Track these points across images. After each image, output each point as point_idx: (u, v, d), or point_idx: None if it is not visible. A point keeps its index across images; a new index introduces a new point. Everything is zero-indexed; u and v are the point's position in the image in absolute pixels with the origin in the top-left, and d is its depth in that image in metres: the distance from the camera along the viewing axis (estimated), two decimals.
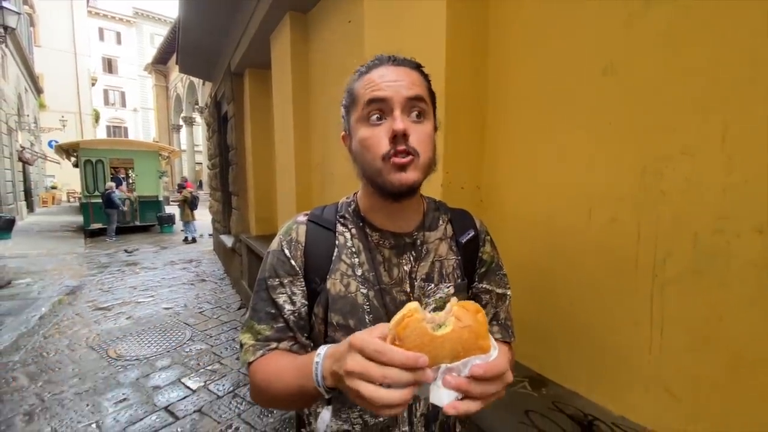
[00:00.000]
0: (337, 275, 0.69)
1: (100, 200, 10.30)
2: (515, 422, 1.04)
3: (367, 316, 0.67)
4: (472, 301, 0.47)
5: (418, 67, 0.67)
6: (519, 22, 1.28)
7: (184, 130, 21.79)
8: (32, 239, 9.41)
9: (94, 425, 2.46)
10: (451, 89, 1.30)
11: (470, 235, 0.76)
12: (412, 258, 0.71)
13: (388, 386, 0.42)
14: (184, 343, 3.72)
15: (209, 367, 3.23)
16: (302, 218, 0.75)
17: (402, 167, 0.60)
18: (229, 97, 5.14)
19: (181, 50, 5.09)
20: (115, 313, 4.61)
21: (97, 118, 25.11)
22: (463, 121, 1.36)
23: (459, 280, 0.73)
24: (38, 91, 18.16)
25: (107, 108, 28.23)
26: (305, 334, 0.69)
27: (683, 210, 0.87)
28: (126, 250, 8.50)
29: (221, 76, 5.44)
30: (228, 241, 5.82)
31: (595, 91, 1.05)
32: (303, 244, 0.71)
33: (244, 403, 2.70)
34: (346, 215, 0.74)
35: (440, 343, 0.43)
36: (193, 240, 9.86)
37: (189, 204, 10.05)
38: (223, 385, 2.94)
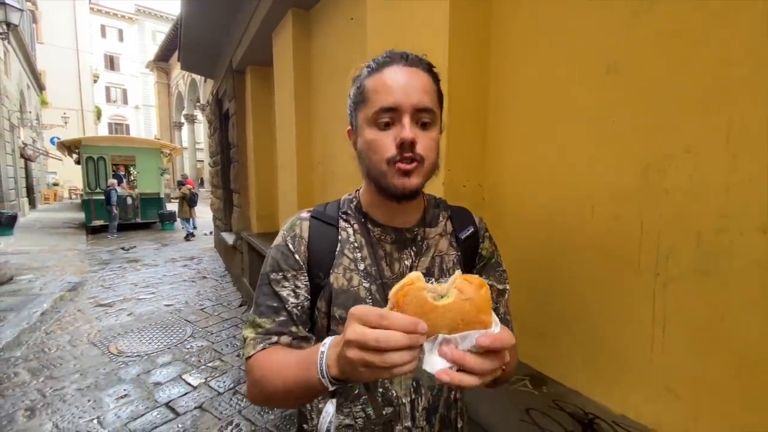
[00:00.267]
0: (340, 270, 0.70)
1: (102, 197, 10.33)
2: (516, 420, 1.04)
3: None
4: (476, 276, 0.46)
5: (430, 68, 0.67)
6: (521, 19, 1.27)
7: (185, 128, 21.79)
8: (34, 236, 9.44)
9: (95, 421, 2.48)
10: (454, 88, 1.30)
11: (469, 232, 0.78)
12: (412, 253, 0.72)
13: (384, 350, 0.41)
14: (185, 339, 3.74)
15: (210, 364, 3.24)
16: (305, 214, 0.76)
17: (406, 173, 0.62)
18: (230, 95, 5.14)
19: (183, 47, 5.09)
20: (116, 309, 4.63)
21: (99, 115, 25.13)
22: (466, 119, 1.36)
23: None
24: (40, 87, 18.18)
25: (109, 105, 28.25)
26: (307, 328, 0.70)
27: (686, 208, 0.87)
28: (123, 248, 8.47)
29: (223, 74, 5.44)
30: (229, 238, 5.83)
31: (598, 89, 1.04)
32: (306, 240, 0.72)
33: (244, 400, 2.71)
34: (348, 211, 0.75)
35: (441, 313, 0.43)
36: (191, 235, 9.86)
37: (188, 201, 10.07)
38: (224, 382, 2.95)
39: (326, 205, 0.78)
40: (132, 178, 13.15)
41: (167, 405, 2.66)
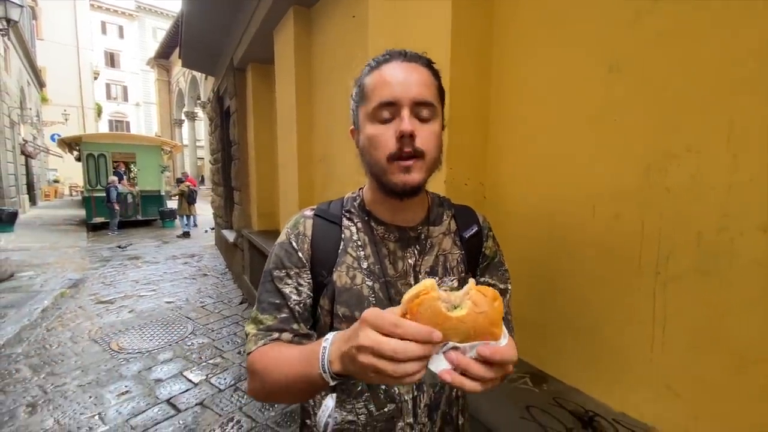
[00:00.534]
0: (344, 268, 0.70)
1: (103, 194, 10.34)
2: (516, 417, 1.05)
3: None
4: (490, 288, 0.47)
5: (429, 64, 0.68)
6: (523, 18, 1.27)
7: (186, 125, 21.77)
8: (35, 232, 9.45)
9: (96, 417, 2.49)
10: (456, 86, 1.30)
11: (473, 231, 0.78)
12: (416, 251, 0.72)
13: (399, 361, 0.42)
14: (186, 336, 3.75)
15: (211, 361, 3.25)
16: (309, 213, 0.76)
17: (407, 169, 0.62)
18: (231, 92, 5.14)
19: (184, 44, 5.08)
20: (117, 306, 4.64)
21: (99, 112, 25.10)
22: (467, 117, 1.36)
23: (462, 274, 0.75)
24: (41, 84, 18.17)
25: (109, 102, 28.20)
26: (309, 326, 0.70)
27: (687, 208, 0.87)
28: (119, 246, 8.40)
29: (224, 71, 5.43)
30: (230, 236, 5.83)
31: (600, 88, 1.04)
32: (310, 238, 0.72)
33: (245, 397, 2.72)
34: (352, 210, 0.75)
35: (453, 324, 0.43)
36: (187, 234, 9.86)
37: (186, 197, 10.07)
38: (225, 379, 2.96)
39: (330, 203, 0.78)
40: (132, 175, 13.15)
41: (168, 401, 2.67)
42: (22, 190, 12.98)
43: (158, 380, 2.94)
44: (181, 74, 19.17)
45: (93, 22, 25.59)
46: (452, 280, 0.73)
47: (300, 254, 0.71)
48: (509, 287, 0.81)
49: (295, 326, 0.68)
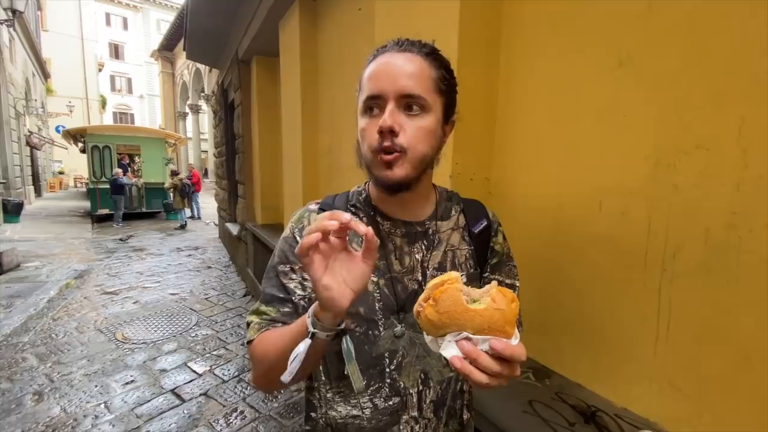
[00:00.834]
0: None
1: (108, 186, 10.38)
2: (519, 411, 1.05)
3: (377, 304, 0.68)
4: (510, 290, 0.49)
5: (429, 53, 0.64)
6: (532, 10, 1.26)
7: (189, 118, 21.78)
8: (40, 223, 9.52)
9: (102, 405, 2.52)
10: (463, 79, 1.27)
11: (482, 226, 0.77)
12: (423, 247, 0.71)
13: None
14: (190, 328, 3.78)
15: (215, 352, 3.28)
16: (314, 206, 0.75)
17: (388, 164, 0.61)
18: (236, 85, 5.12)
19: (188, 36, 5.06)
20: (122, 297, 4.68)
21: (103, 104, 25.14)
22: (474, 112, 1.35)
23: (471, 270, 0.74)
24: (45, 75, 18.19)
25: (114, 94, 28.22)
26: None
27: (695, 204, 0.87)
28: (121, 239, 8.40)
29: (228, 64, 5.42)
30: (234, 229, 5.85)
31: (610, 82, 1.03)
32: None
33: (249, 388, 2.74)
34: (357, 204, 0.74)
35: (471, 316, 0.45)
36: (182, 227, 9.89)
37: (179, 191, 10.07)
38: (229, 370, 2.99)
39: (335, 196, 0.77)
40: (137, 167, 13.19)
41: (173, 391, 2.70)
42: (28, 181, 13.06)
43: (163, 370, 2.98)
44: (185, 67, 19.12)
45: (97, 14, 25.56)
46: (461, 275, 0.72)
47: None
48: (517, 284, 0.80)
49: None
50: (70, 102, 17.81)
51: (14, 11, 7.93)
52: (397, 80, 0.60)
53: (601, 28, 1.06)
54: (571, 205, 1.16)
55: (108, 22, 27.82)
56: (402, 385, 0.69)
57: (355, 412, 0.70)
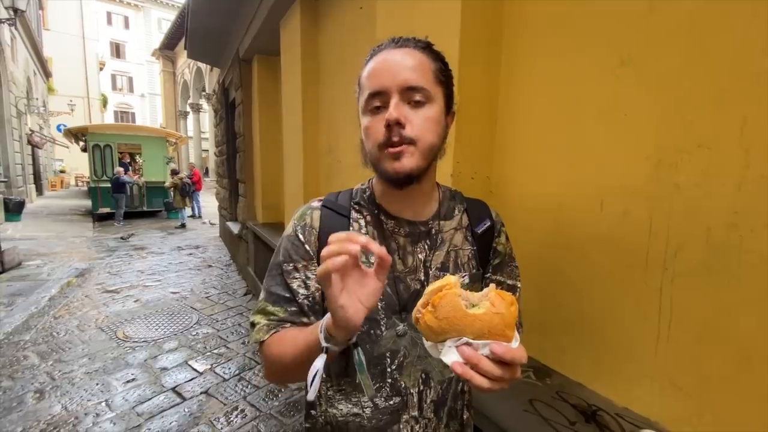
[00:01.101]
0: None
1: (109, 184, 10.39)
2: (520, 411, 1.05)
3: (379, 303, 0.68)
4: (509, 294, 0.49)
5: (426, 47, 0.65)
6: (534, 9, 1.26)
7: (190, 117, 21.79)
8: (41, 222, 9.54)
9: (103, 403, 2.53)
10: (464, 78, 1.29)
11: (486, 226, 0.76)
12: (426, 247, 0.71)
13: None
14: (191, 326, 3.79)
15: (215, 351, 3.29)
16: (316, 204, 0.75)
17: (397, 156, 0.61)
18: (237, 84, 5.13)
19: (189, 35, 5.07)
20: (123, 296, 4.69)
21: (104, 103, 25.17)
22: (475, 111, 1.35)
23: (474, 270, 0.74)
24: (47, 74, 18.22)
25: (115, 93, 28.25)
26: (320, 319, 0.70)
27: (697, 204, 0.87)
28: (122, 238, 8.41)
29: (229, 63, 5.42)
30: (234, 227, 5.86)
31: (611, 81, 1.03)
32: (317, 229, 0.71)
33: (249, 386, 2.75)
34: (361, 202, 0.74)
35: (470, 321, 0.45)
36: (183, 225, 9.91)
37: (180, 190, 10.09)
38: (229, 369, 2.99)
39: (338, 194, 0.76)
40: (138, 166, 13.20)
41: (174, 390, 2.71)
42: (29, 180, 13.08)
43: (164, 369, 2.98)
44: (186, 66, 19.13)
45: (99, 13, 25.58)
46: (463, 276, 0.71)
47: (307, 246, 0.70)
48: (519, 285, 0.80)
49: (305, 319, 0.68)
50: (71, 101, 17.85)
51: (16, 10, 7.94)
52: (398, 74, 0.61)
53: (602, 27, 1.06)
54: (572, 204, 1.16)
55: (109, 21, 27.83)
56: (403, 385, 0.69)
57: (355, 410, 0.70)
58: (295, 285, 0.68)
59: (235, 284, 5.23)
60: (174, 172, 10.80)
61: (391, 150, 0.61)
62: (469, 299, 0.47)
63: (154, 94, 27.92)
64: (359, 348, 0.57)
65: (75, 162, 21.95)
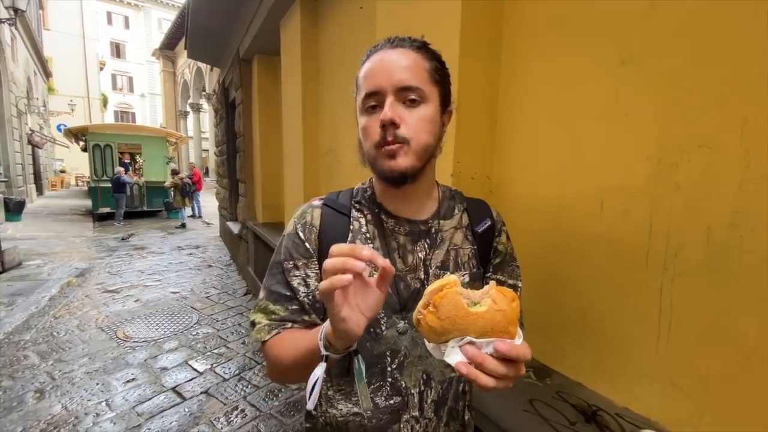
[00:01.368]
0: None
1: (109, 184, 10.40)
2: (520, 410, 1.05)
3: None
4: (510, 290, 0.48)
5: (421, 46, 0.66)
6: (534, 9, 1.26)
7: (191, 117, 21.79)
8: (42, 222, 9.54)
9: (103, 403, 2.53)
10: (464, 78, 1.29)
11: (486, 225, 0.76)
12: (426, 245, 0.71)
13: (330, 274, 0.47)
14: (191, 326, 3.79)
15: (216, 351, 3.28)
16: (317, 202, 0.75)
17: (392, 155, 0.62)
18: (237, 84, 5.13)
19: (189, 35, 5.07)
20: (123, 295, 4.69)
21: (105, 102, 25.18)
22: (475, 111, 1.35)
23: (474, 269, 0.74)
24: (47, 74, 18.22)
25: (115, 93, 28.25)
26: (320, 316, 0.70)
27: (697, 204, 0.87)
28: (122, 238, 8.39)
29: (229, 63, 5.42)
30: (234, 227, 5.86)
31: (612, 81, 1.03)
32: (317, 228, 0.71)
33: (249, 386, 2.75)
34: (362, 201, 0.74)
35: (473, 319, 0.45)
36: (183, 225, 9.91)
37: (180, 190, 10.10)
38: (230, 369, 2.99)
39: (339, 193, 0.77)
40: (138, 166, 13.20)
41: (174, 389, 2.71)
42: (29, 179, 13.09)
43: (164, 369, 2.98)
44: (186, 66, 19.12)
45: (99, 13, 25.58)
46: (464, 275, 0.72)
47: (307, 245, 0.70)
48: (520, 284, 0.80)
49: (306, 317, 0.68)
50: (71, 101, 17.86)
51: (16, 10, 7.94)
52: (393, 74, 0.61)
53: (603, 27, 1.06)
54: (573, 204, 1.16)
55: (109, 21, 27.84)
56: (403, 385, 0.69)
57: (356, 410, 0.70)
58: (295, 283, 0.69)
59: (235, 284, 5.22)
60: (174, 172, 10.81)
61: (386, 149, 0.61)
62: (471, 297, 0.47)
63: (155, 94, 27.92)
64: (359, 356, 0.57)
65: (75, 162, 21.96)
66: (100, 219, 10.70)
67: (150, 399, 2.59)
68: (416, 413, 0.70)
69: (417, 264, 0.70)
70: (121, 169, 10.56)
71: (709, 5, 0.84)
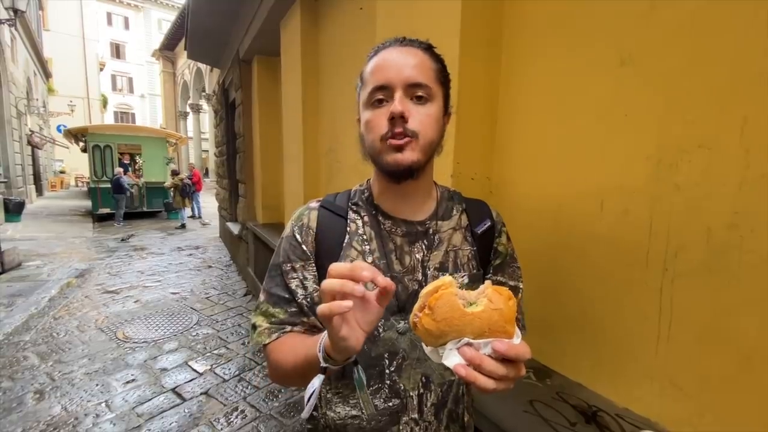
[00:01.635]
0: (347, 262, 0.69)
1: (109, 185, 10.39)
2: (520, 411, 1.05)
3: None
4: (506, 288, 0.48)
5: (428, 48, 0.67)
6: (533, 11, 1.26)
7: (191, 117, 21.78)
8: (41, 222, 9.53)
9: (103, 404, 2.52)
10: (464, 79, 1.29)
11: (486, 226, 0.76)
12: (424, 247, 0.71)
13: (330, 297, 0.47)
14: (191, 327, 3.79)
15: (215, 352, 3.28)
16: (314, 204, 0.75)
17: (398, 148, 0.62)
18: (237, 85, 5.13)
19: (189, 36, 5.07)
20: (123, 296, 4.69)
21: (104, 103, 25.17)
22: (475, 111, 1.35)
23: (474, 271, 0.73)
24: (47, 75, 18.22)
25: (115, 94, 28.24)
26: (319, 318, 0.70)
27: (697, 204, 0.87)
28: (122, 238, 8.39)
29: (229, 63, 5.42)
30: (234, 228, 5.86)
31: (612, 81, 1.03)
32: (314, 230, 0.71)
33: (249, 387, 2.75)
34: (359, 202, 0.74)
35: (469, 320, 0.44)
36: (182, 226, 9.91)
37: (180, 191, 10.10)
38: (229, 369, 2.99)
39: (336, 195, 0.77)
40: (137, 167, 13.19)
41: (174, 390, 2.70)
42: (29, 180, 13.08)
43: (164, 369, 2.98)
44: (186, 66, 19.12)
45: (99, 13, 25.58)
46: (462, 276, 0.71)
47: (304, 247, 0.70)
48: (521, 285, 0.79)
49: (305, 319, 0.68)
50: (71, 101, 17.84)
51: (16, 10, 7.94)
52: (403, 70, 0.62)
53: (603, 27, 1.06)
54: (573, 204, 1.16)
55: (109, 22, 27.82)
56: (402, 387, 0.69)
57: (354, 412, 0.70)
58: (293, 285, 0.69)
59: (235, 285, 5.22)
60: (174, 173, 10.80)
61: (394, 142, 0.62)
62: (466, 298, 0.46)
63: (154, 95, 27.91)
64: (359, 366, 0.57)
65: (75, 162, 21.95)
66: (100, 220, 10.69)
67: (150, 400, 2.58)
68: (415, 416, 0.70)
69: (415, 265, 0.70)
70: (121, 169, 10.55)
71: (709, 5, 0.84)
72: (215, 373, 2.94)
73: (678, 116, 0.90)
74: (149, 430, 2.29)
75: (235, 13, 4.21)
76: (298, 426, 2.35)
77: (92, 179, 11.16)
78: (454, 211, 0.76)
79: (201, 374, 2.92)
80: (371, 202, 0.74)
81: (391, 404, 0.69)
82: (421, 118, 0.62)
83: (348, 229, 0.71)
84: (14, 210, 9.09)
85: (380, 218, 0.72)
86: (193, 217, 11.38)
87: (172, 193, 10.61)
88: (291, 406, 2.55)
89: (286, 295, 0.69)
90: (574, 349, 1.18)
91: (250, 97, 4.87)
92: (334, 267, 0.48)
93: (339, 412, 0.70)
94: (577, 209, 1.14)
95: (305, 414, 0.52)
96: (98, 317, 4.02)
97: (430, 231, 0.72)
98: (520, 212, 1.32)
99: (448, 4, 1.29)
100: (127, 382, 2.79)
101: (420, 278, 0.69)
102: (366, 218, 0.72)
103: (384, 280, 0.48)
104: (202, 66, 11.85)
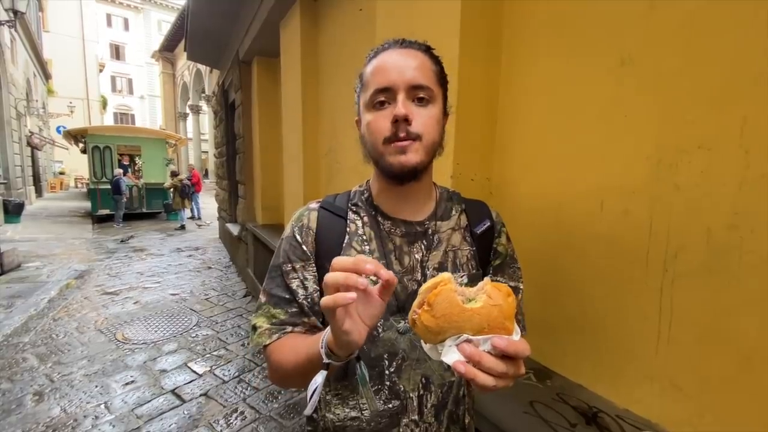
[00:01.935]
0: None
1: (108, 186, 10.39)
2: (520, 412, 1.05)
3: None
4: (505, 284, 0.48)
5: (427, 49, 0.68)
6: (533, 11, 1.26)
7: (190, 118, 21.79)
8: (41, 224, 9.53)
9: (102, 406, 2.52)
10: (464, 80, 1.29)
11: (485, 226, 0.76)
12: (423, 247, 0.71)
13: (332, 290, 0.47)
14: (191, 328, 3.78)
15: (215, 353, 3.28)
16: (314, 205, 0.75)
17: (402, 150, 0.62)
18: (236, 86, 5.13)
19: (189, 37, 5.07)
20: (122, 297, 4.68)
21: (104, 104, 25.19)
22: (475, 112, 1.35)
23: (473, 271, 0.73)
24: (47, 76, 18.22)
25: (114, 95, 28.26)
26: (320, 319, 0.70)
27: (697, 204, 0.87)
28: (121, 239, 8.38)
29: (229, 64, 5.43)
30: (234, 229, 5.85)
31: (611, 82, 1.03)
32: (314, 230, 0.71)
33: (249, 389, 2.74)
34: (359, 203, 0.74)
35: (468, 316, 0.44)
36: (182, 227, 9.91)
37: (179, 192, 10.10)
38: (229, 371, 2.98)
39: (336, 196, 0.77)
40: (137, 168, 13.19)
41: (173, 392, 2.70)
42: (29, 181, 13.07)
43: (163, 371, 2.97)
44: (185, 67, 19.14)
45: (98, 15, 25.61)
46: (462, 276, 0.71)
47: (304, 247, 0.70)
48: (521, 286, 0.79)
49: (305, 320, 0.68)
50: (71, 102, 17.84)
51: (16, 12, 7.94)
52: (405, 72, 0.62)
53: (603, 27, 1.06)
54: (573, 205, 1.16)
55: (109, 23, 27.85)
56: (402, 389, 0.69)
57: (353, 414, 0.70)
58: (294, 285, 0.69)
59: (234, 286, 5.22)
60: (173, 174, 10.80)
61: (398, 144, 0.62)
62: (465, 294, 0.46)
63: (154, 96, 27.93)
64: (362, 362, 0.57)
65: (74, 164, 21.93)
66: (100, 221, 10.68)
67: (149, 401, 2.58)
68: (415, 417, 0.70)
69: (414, 265, 0.70)
70: (120, 170, 10.55)
71: (708, 5, 0.84)
72: (215, 374, 2.94)
73: (678, 116, 0.90)
74: (148, 431, 2.28)
75: (234, 14, 4.22)
76: (297, 427, 2.34)
77: (92, 180, 11.16)
78: (454, 212, 0.76)
79: (200, 375, 2.91)
80: (371, 202, 0.74)
81: (390, 406, 0.69)
82: (423, 119, 0.63)
83: (348, 229, 0.72)
84: (14, 211, 9.08)
85: (380, 219, 0.72)
86: (192, 218, 11.37)
87: (171, 194, 10.61)
88: (291, 407, 2.54)
89: (287, 296, 0.69)
90: (575, 350, 1.18)
91: (250, 98, 4.87)
92: (338, 260, 0.48)
93: (338, 414, 0.70)
94: (578, 209, 1.14)
95: (309, 410, 0.52)
96: (98, 318, 4.01)
97: (429, 231, 0.72)
98: (521, 213, 1.32)
99: (448, 4, 1.29)
100: (127, 384, 2.78)
101: (419, 278, 0.70)
102: (365, 219, 0.72)
103: (387, 273, 0.48)
104: (202, 67, 11.86)
